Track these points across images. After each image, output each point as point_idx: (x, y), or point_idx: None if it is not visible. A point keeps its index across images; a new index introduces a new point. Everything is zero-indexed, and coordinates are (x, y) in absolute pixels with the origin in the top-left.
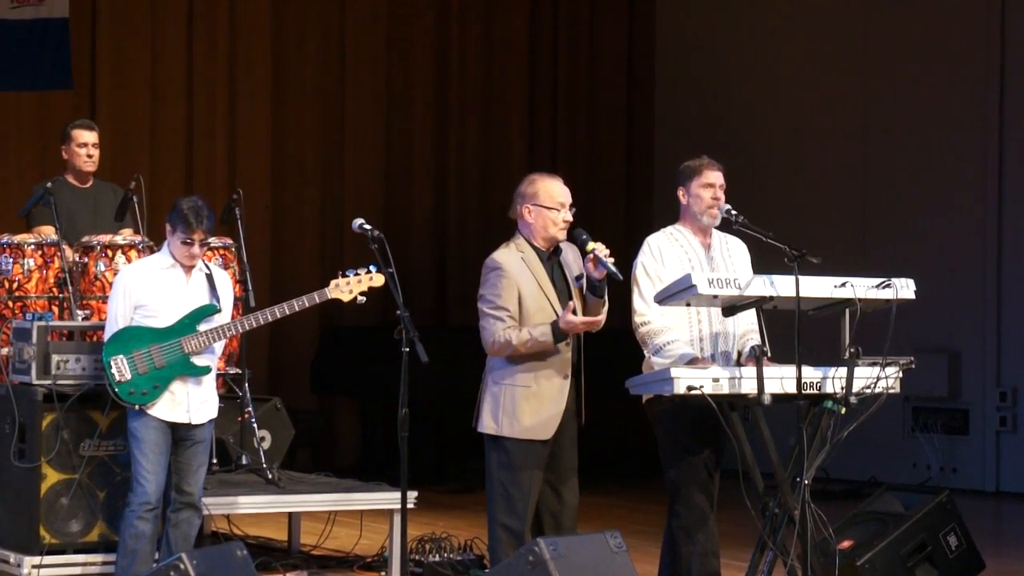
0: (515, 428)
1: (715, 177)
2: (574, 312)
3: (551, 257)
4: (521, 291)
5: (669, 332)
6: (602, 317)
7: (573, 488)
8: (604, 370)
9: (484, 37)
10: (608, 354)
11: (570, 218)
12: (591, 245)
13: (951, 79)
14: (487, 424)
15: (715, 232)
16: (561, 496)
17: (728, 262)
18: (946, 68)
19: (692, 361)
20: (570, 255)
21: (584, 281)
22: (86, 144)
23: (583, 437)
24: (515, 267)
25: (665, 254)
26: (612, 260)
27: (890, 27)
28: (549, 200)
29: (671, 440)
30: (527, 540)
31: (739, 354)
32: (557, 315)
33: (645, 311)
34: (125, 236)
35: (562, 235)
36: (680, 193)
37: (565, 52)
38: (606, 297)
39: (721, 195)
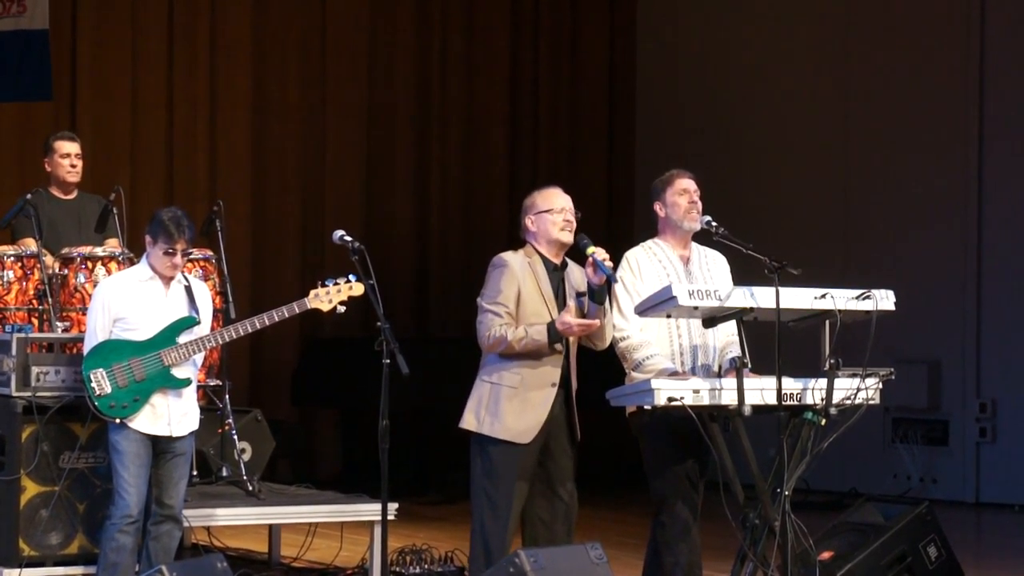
0: (495, 428)
1: (688, 183)
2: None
3: (557, 269)
4: (521, 291)
5: (649, 347)
6: (599, 324)
7: (565, 496)
8: (587, 380)
9: (466, 50)
10: (590, 364)
11: (571, 219)
12: (591, 249)
13: (932, 92)
14: (468, 420)
15: (694, 245)
16: (553, 505)
17: (707, 275)
18: (927, 80)
19: (672, 375)
20: (576, 274)
21: (585, 299)
22: (69, 155)
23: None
24: (519, 267)
25: (644, 269)
26: (611, 265)
27: (870, 39)
28: (546, 204)
29: (655, 452)
30: (510, 547)
31: (719, 367)
32: (554, 321)
33: (624, 326)
34: (106, 248)
35: (566, 236)
36: (657, 207)
37: (546, 66)
38: (607, 307)
39: (697, 200)
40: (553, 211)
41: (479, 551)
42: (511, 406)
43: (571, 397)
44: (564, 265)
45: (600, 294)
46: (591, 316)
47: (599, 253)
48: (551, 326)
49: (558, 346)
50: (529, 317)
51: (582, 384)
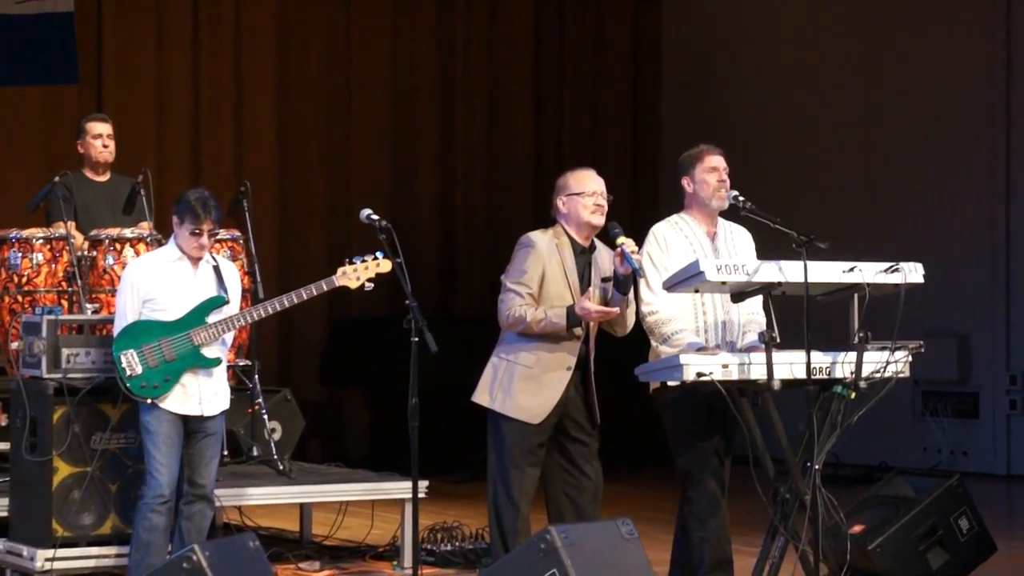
0: (507, 405)
1: (717, 160)
2: (593, 302)
3: (584, 252)
4: (546, 272)
5: (676, 322)
6: (618, 311)
7: (591, 473)
8: (613, 357)
9: (489, 28)
10: (617, 341)
11: (603, 203)
12: (620, 239)
13: (958, 62)
14: (481, 396)
15: (720, 221)
16: (579, 481)
17: (732, 251)
18: (953, 51)
19: (700, 350)
20: (604, 257)
21: (610, 285)
22: (101, 135)
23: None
24: (546, 248)
25: (670, 244)
26: (639, 258)
27: (896, 11)
28: (578, 187)
29: (680, 428)
30: (524, 522)
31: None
32: (574, 305)
33: (652, 300)
34: (134, 229)
35: (596, 219)
36: (685, 182)
37: (571, 43)
38: (631, 297)
39: (726, 178)
40: (584, 194)
41: (493, 527)
42: (525, 386)
43: (589, 380)
44: (592, 248)
45: (625, 284)
46: (614, 303)
47: (628, 244)
48: (570, 310)
49: (577, 330)
50: (552, 299)
51: (610, 359)
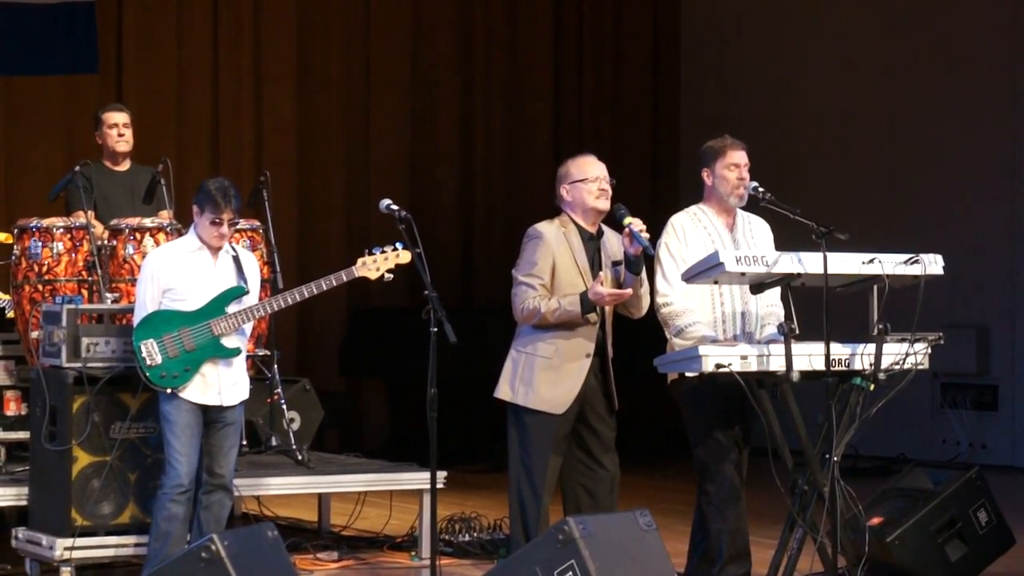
0: (529, 398)
1: (740, 157)
2: (606, 286)
3: (593, 238)
4: (556, 262)
5: (691, 314)
6: (633, 293)
7: (608, 464)
8: (631, 348)
9: (509, 19)
10: (634, 331)
11: (606, 187)
12: (628, 220)
13: (977, 53)
14: (503, 390)
15: (739, 212)
16: (596, 473)
17: (751, 242)
18: (972, 42)
19: (714, 343)
20: (613, 241)
21: (622, 268)
22: (117, 125)
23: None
24: (554, 238)
25: (688, 235)
26: (647, 236)
27: (915, 2)
28: (580, 174)
29: (697, 419)
30: (547, 515)
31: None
32: (587, 291)
33: (668, 292)
34: (154, 219)
35: (601, 204)
36: (705, 174)
37: (590, 34)
38: (644, 276)
39: (746, 175)
40: (588, 180)
41: (516, 519)
42: (545, 377)
43: (607, 366)
44: (600, 233)
45: (636, 264)
46: (627, 286)
47: (636, 224)
48: (584, 296)
49: (593, 317)
50: (564, 288)
51: (627, 351)
